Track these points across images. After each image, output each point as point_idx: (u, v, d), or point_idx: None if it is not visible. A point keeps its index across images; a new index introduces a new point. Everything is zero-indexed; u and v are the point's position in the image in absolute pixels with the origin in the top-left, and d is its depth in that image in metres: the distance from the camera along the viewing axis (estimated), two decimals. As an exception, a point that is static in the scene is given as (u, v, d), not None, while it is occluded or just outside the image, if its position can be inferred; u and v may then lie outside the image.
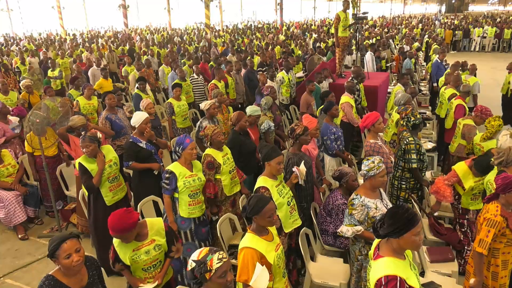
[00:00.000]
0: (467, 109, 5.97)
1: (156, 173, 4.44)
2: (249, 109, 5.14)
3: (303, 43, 16.16)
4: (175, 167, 3.62)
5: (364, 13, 9.38)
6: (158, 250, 2.83)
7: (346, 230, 3.14)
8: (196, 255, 2.07)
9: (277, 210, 3.27)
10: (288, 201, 3.43)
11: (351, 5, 9.70)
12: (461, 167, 3.90)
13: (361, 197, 3.14)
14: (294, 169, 3.61)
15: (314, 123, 4.38)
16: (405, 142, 4.41)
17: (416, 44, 15.63)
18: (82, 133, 4.66)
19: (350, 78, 7.20)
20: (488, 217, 2.90)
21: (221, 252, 2.06)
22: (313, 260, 3.85)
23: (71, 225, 5.26)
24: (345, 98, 6.44)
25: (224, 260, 2.05)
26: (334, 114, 5.16)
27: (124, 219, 2.60)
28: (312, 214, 3.96)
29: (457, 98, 5.95)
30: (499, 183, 2.87)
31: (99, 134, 4.15)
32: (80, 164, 3.92)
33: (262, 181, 3.39)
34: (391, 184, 4.70)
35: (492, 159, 3.50)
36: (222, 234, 3.77)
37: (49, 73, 10.20)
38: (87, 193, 4.11)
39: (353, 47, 11.19)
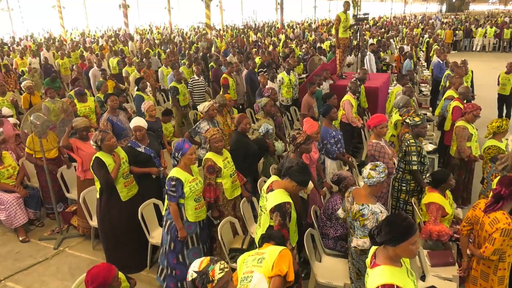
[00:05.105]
0: None
1: (154, 177, 4.45)
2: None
3: (304, 45, 16.13)
4: (178, 173, 3.59)
5: (364, 14, 9.37)
6: None
7: (362, 242, 3.10)
8: (196, 265, 2.07)
9: (290, 224, 3.22)
10: (296, 216, 3.40)
11: (351, 5, 9.69)
12: (433, 196, 3.85)
13: (368, 206, 3.11)
14: None
15: (315, 127, 4.38)
16: (406, 144, 4.42)
17: (419, 48, 15.61)
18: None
19: (354, 79, 7.24)
20: (502, 227, 2.86)
21: (222, 262, 2.07)
22: (318, 260, 3.86)
23: (72, 227, 5.27)
24: (347, 96, 6.50)
25: (226, 270, 2.05)
26: (333, 117, 5.18)
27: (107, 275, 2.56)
28: (312, 217, 3.96)
29: (455, 100, 5.96)
30: (508, 189, 2.86)
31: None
32: (98, 158, 3.96)
33: (283, 195, 3.19)
34: (392, 185, 4.71)
35: (496, 164, 3.50)
36: (223, 238, 3.78)
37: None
38: (99, 191, 4.12)
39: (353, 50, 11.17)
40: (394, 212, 4.66)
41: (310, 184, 3.84)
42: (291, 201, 3.20)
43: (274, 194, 3.20)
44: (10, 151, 5.70)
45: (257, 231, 3.43)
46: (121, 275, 2.80)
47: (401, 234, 2.08)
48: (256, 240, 3.40)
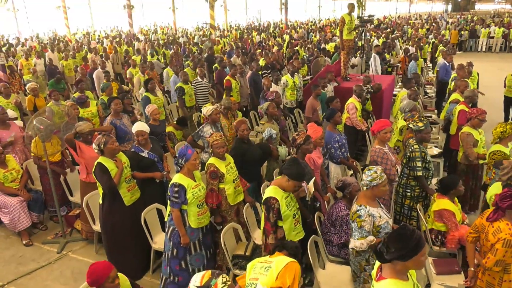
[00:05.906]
0: None
1: (158, 181, 4.43)
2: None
3: (308, 46, 16.05)
4: (181, 179, 3.57)
5: (369, 16, 9.32)
6: None
7: (360, 244, 3.09)
8: (198, 280, 2.05)
9: (283, 222, 3.28)
10: (294, 213, 3.41)
11: (356, 7, 9.62)
12: (444, 202, 3.83)
13: (366, 207, 3.12)
14: (304, 184, 3.60)
15: (319, 132, 4.35)
16: (410, 149, 4.38)
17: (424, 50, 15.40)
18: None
19: (369, 86, 7.26)
20: (503, 237, 2.81)
21: (224, 275, 2.04)
22: (322, 267, 3.83)
23: (75, 231, 5.27)
24: (352, 99, 6.47)
25: (228, 283, 2.03)
26: (337, 121, 5.14)
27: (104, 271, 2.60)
28: (316, 224, 3.93)
29: (460, 104, 5.89)
30: (508, 200, 2.81)
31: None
32: (100, 164, 3.95)
33: (273, 191, 3.30)
34: (396, 191, 4.67)
35: (499, 174, 3.45)
36: (226, 244, 3.75)
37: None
38: (102, 196, 4.11)
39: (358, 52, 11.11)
40: (399, 224, 4.61)
41: (311, 186, 3.83)
42: (278, 197, 3.24)
43: (267, 190, 3.34)
44: (16, 153, 5.73)
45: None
46: (125, 279, 2.78)
47: (412, 249, 2.03)
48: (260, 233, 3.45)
